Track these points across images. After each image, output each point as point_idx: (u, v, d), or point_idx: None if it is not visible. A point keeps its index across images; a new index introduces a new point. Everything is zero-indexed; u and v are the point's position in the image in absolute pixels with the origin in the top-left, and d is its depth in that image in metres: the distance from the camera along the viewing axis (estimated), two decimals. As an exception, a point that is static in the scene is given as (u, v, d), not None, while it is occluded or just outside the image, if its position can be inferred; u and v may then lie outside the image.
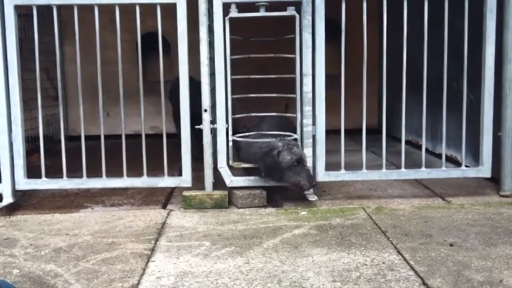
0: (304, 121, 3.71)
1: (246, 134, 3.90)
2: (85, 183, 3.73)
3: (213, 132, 3.69)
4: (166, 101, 3.86)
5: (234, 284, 2.42)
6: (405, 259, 2.67)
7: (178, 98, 3.70)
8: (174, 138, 3.97)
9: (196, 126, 3.65)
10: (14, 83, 3.61)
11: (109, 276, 2.54)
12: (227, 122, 3.69)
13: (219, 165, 3.70)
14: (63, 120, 3.84)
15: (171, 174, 3.75)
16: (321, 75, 3.70)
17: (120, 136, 3.74)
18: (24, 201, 3.91)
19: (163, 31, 3.70)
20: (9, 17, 3.56)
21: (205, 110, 3.64)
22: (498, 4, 3.66)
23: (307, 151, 3.72)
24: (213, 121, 3.68)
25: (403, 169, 3.83)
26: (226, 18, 3.59)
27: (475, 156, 4.07)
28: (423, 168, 3.83)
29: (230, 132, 3.73)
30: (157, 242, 2.99)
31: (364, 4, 3.68)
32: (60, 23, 3.74)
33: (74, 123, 6.86)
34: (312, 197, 3.67)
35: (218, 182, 3.73)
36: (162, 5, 3.63)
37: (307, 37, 3.64)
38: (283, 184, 3.64)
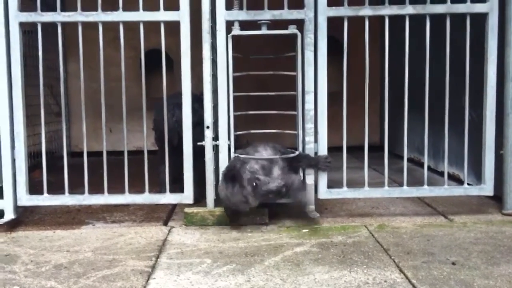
0: (307, 139, 3.72)
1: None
2: (86, 199, 3.73)
3: (215, 149, 3.69)
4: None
5: (235, 302, 2.41)
6: (407, 278, 2.65)
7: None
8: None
9: (198, 143, 3.66)
10: (18, 99, 3.63)
11: (110, 293, 2.53)
12: (229, 138, 3.70)
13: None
14: (65, 136, 3.85)
15: (172, 190, 3.75)
16: (323, 93, 3.71)
17: (122, 152, 3.75)
18: (25, 217, 3.91)
19: (167, 48, 3.72)
20: (14, 34, 3.59)
21: (208, 127, 3.65)
22: (499, 23, 3.69)
23: (310, 169, 3.71)
24: (215, 138, 3.69)
25: (405, 187, 3.83)
26: (229, 35, 3.62)
27: (477, 174, 4.06)
28: (426, 186, 3.82)
29: (232, 149, 3.73)
30: (158, 259, 2.98)
31: (366, 23, 3.71)
32: (64, 40, 3.76)
33: (76, 139, 6.90)
34: (314, 215, 3.66)
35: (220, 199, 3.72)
36: (166, 23, 3.66)
37: (309, 55, 3.66)
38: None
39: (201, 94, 3.69)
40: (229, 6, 3.65)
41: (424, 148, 3.89)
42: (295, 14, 3.65)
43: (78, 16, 3.63)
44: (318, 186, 3.75)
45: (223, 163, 3.68)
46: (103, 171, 3.71)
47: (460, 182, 4.18)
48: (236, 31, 3.64)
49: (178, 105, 3.71)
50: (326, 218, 3.80)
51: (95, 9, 3.61)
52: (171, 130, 3.80)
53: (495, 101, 3.73)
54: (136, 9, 3.63)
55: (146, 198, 3.73)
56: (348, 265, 2.84)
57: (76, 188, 3.79)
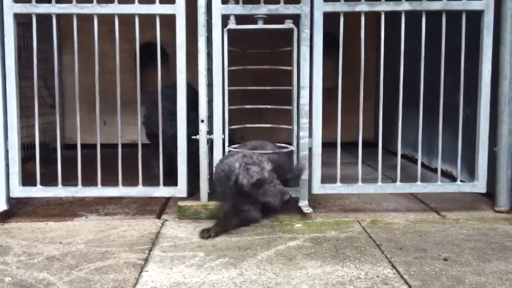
0: (301, 134, 3.72)
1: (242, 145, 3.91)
2: (80, 191, 3.72)
3: (210, 142, 3.69)
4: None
5: (227, 295, 2.41)
6: (399, 273, 2.66)
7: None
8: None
9: (193, 137, 3.65)
10: (12, 91, 3.62)
11: (102, 285, 2.52)
12: (223, 133, 3.69)
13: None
14: (59, 128, 3.84)
15: (166, 183, 3.74)
16: (318, 88, 3.71)
17: (116, 145, 3.74)
18: (18, 209, 3.90)
19: (162, 41, 3.71)
20: (8, 25, 3.58)
21: (202, 121, 3.64)
22: (495, 21, 3.69)
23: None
24: (210, 132, 3.68)
25: (398, 183, 3.84)
26: (225, 29, 3.61)
27: (470, 171, 4.08)
28: (419, 182, 3.83)
29: (227, 143, 3.73)
30: (151, 252, 2.98)
31: (362, 19, 3.71)
32: (59, 32, 3.75)
33: (70, 132, 6.87)
34: (307, 210, 3.67)
35: (214, 192, 3.72)
36: (161, 16, 3.65)
37: (305, 50, 3.66)
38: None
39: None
40: (225, 0, 3.65)
41: (418, 145, 3.90)
42: (291, 9, 3.64)
43: (73, 8, 3.61)
44: (312, 181, 3.76)
45: (218, 158, 3.68)
46: (97, 164, 3.70)
47: (453, 179, 4.20)
48: (232, 25, 3.63)
49: (173, 113, 3.72)
50: (319, 213, 3.81)
51: (90, 1, 3.60)
52: (168, 140, 3.82)
53: (489, 98, 3.74)
54: (131, 1, 3.62)
55: (140, 191, 3.72)
56: (340, 260, 2.85)
57: (69, 180, 3.78)
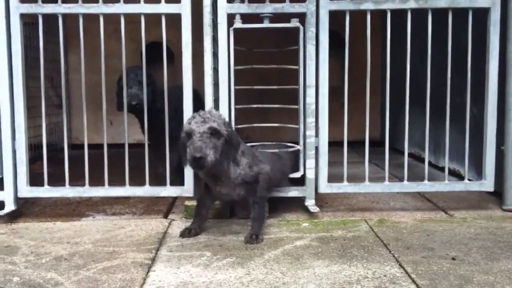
0: (307, 133, 3.71)
1: (249, 144, 3.90)
2: (87, 191, 3.73)
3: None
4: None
5: (235, 295, 2.41)
6: (406, 272, 2.65)
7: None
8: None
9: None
10: (19, 91, 3.63)
11: (110, 285, 2.53)
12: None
13: (221, 175, 3.70)
14: (66, 129, 3.85)
15: (173, 183, 3.75)
16: (324, 87, 3.70)
17: (123, 145, 3.75)
18: (26, 209, 3.91)
19: (168, 41, 3.71)
20: (15, 25, 3.59)
21: (208, 120, 3.64)
22: (502, 18, 3.68)
23: (310, 163, 3.71)
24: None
25: (405, 182, 3.83)
26: (231, 28, 3.61)
27: (478, 170, 4.06)
28: (426, 181, 3.82)
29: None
30: (158, 252, 2.99)
31: (368, 17, 3.70)
32: (65, 32, 3.75)
33: (77, 132, 6.90)
34: (314, 209, 3.66)
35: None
36: (167, 15, 3.65)
37: (310, 48, 3.65)
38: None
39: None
40: (230, -1, 3.65)
41: (425, 143, 3.88)
42: (297, 8, 3.64)
43: (79, 8, 3.62)
44: (319, 180, 3.75)
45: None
46: (104, 164, 3.71)
47: (460, 177, 4.18)
48: (238, 24, 3.63)
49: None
50: (326, 212, 3.80)
51: (96, 1, 3.60)
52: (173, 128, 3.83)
53: (497, 97, 3.72)
54: (137, 1, 3.63)
55: (147, 190, 3.73)
56: (348, 259, 2.84)
57: (76, 180, 3.79)
